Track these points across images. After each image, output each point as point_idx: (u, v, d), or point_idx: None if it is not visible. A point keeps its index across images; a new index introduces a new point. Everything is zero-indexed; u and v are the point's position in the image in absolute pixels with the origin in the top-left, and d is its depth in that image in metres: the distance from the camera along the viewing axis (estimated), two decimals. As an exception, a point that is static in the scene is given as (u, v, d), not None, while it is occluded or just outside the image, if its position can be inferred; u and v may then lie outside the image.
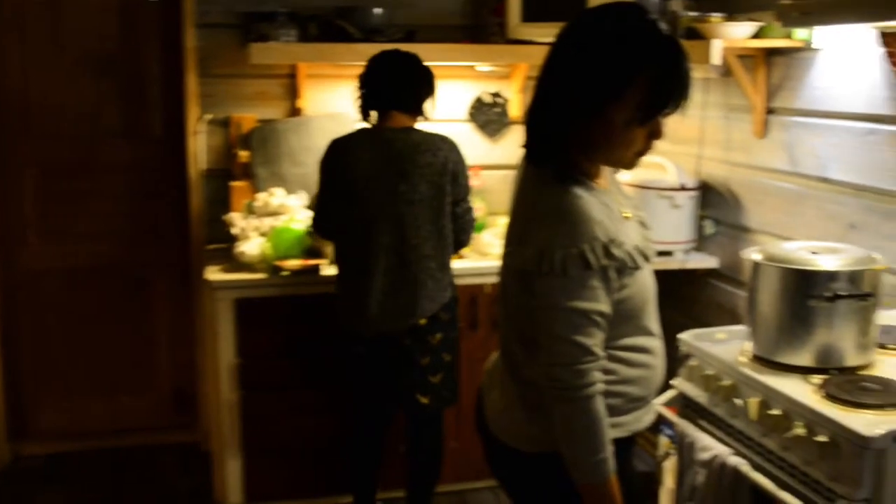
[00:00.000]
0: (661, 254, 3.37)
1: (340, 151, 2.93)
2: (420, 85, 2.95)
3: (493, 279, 2.86)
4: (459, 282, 3.20)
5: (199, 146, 3.68)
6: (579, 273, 1.66)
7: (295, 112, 3.72)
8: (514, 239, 1.79)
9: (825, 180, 2.88)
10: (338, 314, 2.98)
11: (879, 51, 2.54)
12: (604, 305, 1.69)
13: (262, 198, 3.43)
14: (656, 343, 1.84)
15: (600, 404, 1.68)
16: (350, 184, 2.88)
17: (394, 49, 2.99)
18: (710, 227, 3.47)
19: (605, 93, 1.66)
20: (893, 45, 2.43)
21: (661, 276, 3.31)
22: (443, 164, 2.86)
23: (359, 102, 2.96)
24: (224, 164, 3.70)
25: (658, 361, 1.84)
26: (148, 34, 3.78)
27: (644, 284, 1.79)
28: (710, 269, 3.50)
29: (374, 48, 3.01)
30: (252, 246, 3.23)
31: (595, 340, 1.68)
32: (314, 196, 3.07)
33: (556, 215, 1.70)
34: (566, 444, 1.71)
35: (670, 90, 1.67)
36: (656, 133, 1.74)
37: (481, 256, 3.48)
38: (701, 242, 3.54)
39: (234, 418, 3.24)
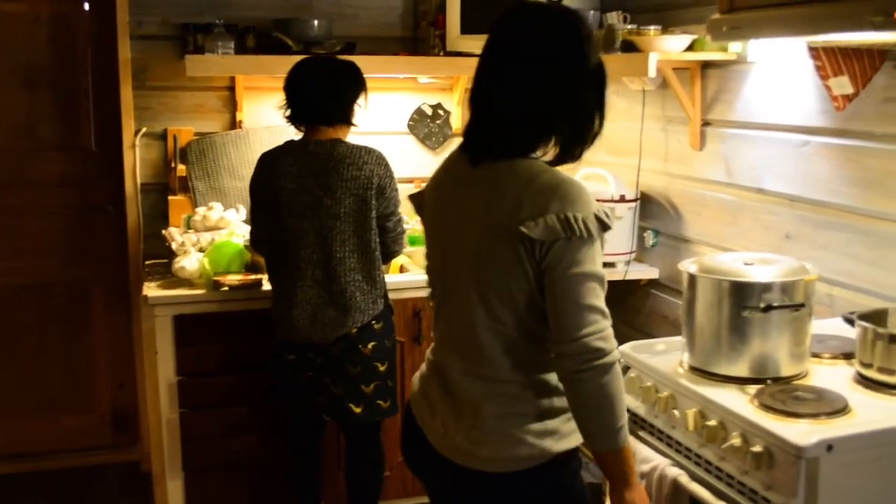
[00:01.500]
0: (604, 265, 3.38)
1: (268, 165, 2.91)
2: (345, 96, 2.91)
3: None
4: (401, 295, 3.19)
5: (136, 160, 3.62)
6: (598, 234, 1.73)
7: (234, 125, 3.68)
8: (522, 216, 1.73)
9: (761, 191, 2.93)
10: (272, 324, 2.96)
11: (810, 64, 2.59)
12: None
13: (201, 212, 3.39)
14: None
15: (620, 369, 1.76)
16: (276, 197, 2.87)
17: (315, 57, 2.95)
18: (651, 238, 3.50)
19: (574, 66, 1.76)
20: (822, 59, 2.47)
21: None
22: (368, 178, 2.84)
23: (286, 114, 2.94)
24: (162, 178, 3.65)
25: None
26: (81, 45, 3.71)
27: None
28: (651, 279, 3.53)
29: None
30: (191, 261, 3.18)
31: (604, 304, 1.75)
32: (250, 210, 3.04)
33: (561, 187, 1.74)
34: (597, 413, 1.74)
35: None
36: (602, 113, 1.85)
37: (423, 269, 3.46)
38: (642, 253, 3.57)
39: (174, 437, 3.19)
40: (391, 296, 3.05)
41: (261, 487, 3.31)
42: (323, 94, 2.88)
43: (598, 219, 1.73)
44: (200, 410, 3.19)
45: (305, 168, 2.84)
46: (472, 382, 1.84)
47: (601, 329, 1.72)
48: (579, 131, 1.81)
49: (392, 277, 3.24)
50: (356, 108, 2.94)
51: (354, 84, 2.94)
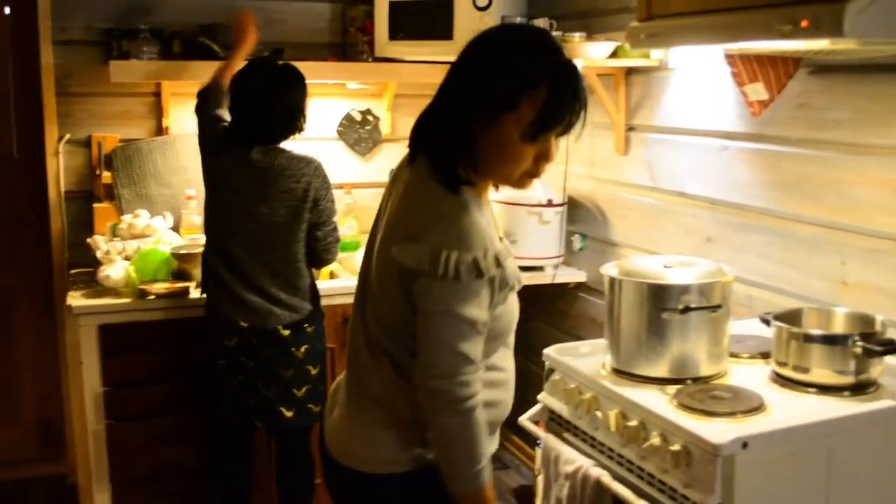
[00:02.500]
0: (532, 269, 3.43)
1: (216, 159, 2.93)
2: (298, 113, 2.92)
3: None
4: (331, 301, 3.19)
5: (60, 167, 3.55)
6: (471, 280, 1.65)
7: (160, 131, 3.63)
8: (402, 235, 1.71)
9: (683, 195, 2.99)
10: (205, 313, 2.98)
11: (728, 71, 2.65)
12: (487, 316, 1.70)
13: (127, 220, 3.34)
14: (512, 367, 1.86)
15: (482, 414, 1.70)
16: (216, 179, 2.93)
17: (261, 73, 2.93)
18: (578, 242, 3.55)
19: (501, 100, 1.66)
20: (738, 66, 2.53)
21: (533, 290, 3.40)
22: (304, 190, 2.87)
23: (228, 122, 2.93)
24: (86, 186, 3.59)
25: (512, 386, 1.86)
26: (2, 51, 3.63)
27: (514, 306, 1.82)
28: (579, 282, 3.58)
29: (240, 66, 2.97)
30: (117, 270, 3.13)
31: (477, 350, 1.69)
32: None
33: (449, 220, 1.68)
34: (447, 455, 1.72)
35: (563, 108, 1.68)
36: (545, 155, 1.73)
37: (354, 275, 3.44)
38: (570, 257, 3.62)
39: (101, 449, 3.13)
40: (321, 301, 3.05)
41: (190, 497, 3.27)
42: (279, 114, 2.87)
43: (476, 264, 1.65)
44: (127, 421, 3.14)
45: (246, 175, 2.86)
46: (355, 389, 1.85)
47: (460, 374, 1.67)
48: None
49: (322, 283, 3.23)
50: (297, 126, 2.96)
51: (304, 94, 2.94)
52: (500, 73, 1.67)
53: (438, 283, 1.65)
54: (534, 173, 1.75)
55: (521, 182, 1.77)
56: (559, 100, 1.67)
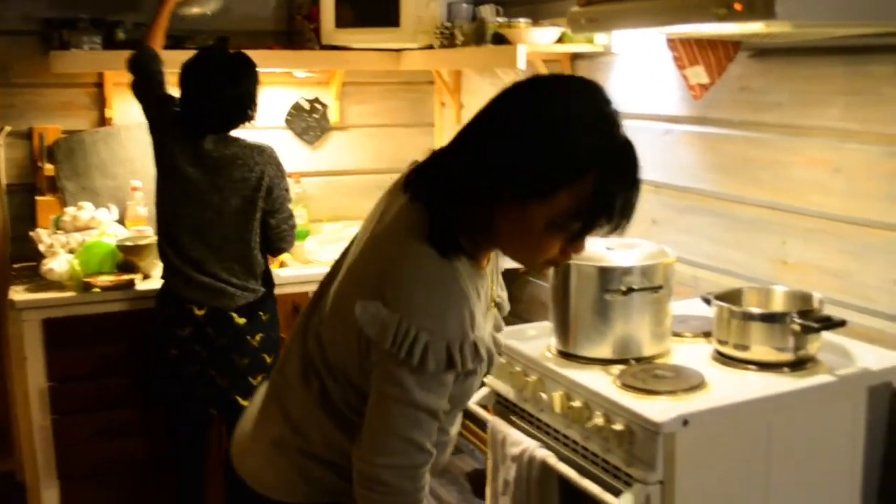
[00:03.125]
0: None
1: (168, 147, 2.89)
2: (251, 99, 2.89)
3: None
4: (281, 290, 3.16)
5: (1, 160, 3.49)
6: (439, 370, 1.40)
7: (103, 122, 3.58)
8: (371, 290, 1.42)
9: (628, 178, 3.01)
10: (157, 302, 2.97)
11: (670, 55, 2.68)
12: (447, 402, 1.48)
13: (70, 212, 3.29)
14: (457, 429, 1.69)
15: None
16: (167, 179, 2.89)
17: (212, 61, 2.89)
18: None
19: (534, 188, 1.35)
20: (678, 50, 2.56)
21: None
22: (258, 179, 2.86)
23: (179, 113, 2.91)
24: (28, 179, 3.52)
25: (450, 450, 1.68)
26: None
27: (477, 378, 1.57)
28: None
29: (184, 55, 2.93)
30: (60, 263, 3.09)
31: (433, 438, 1.46)
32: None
33: (430, 291, 1.40)
34: None
35: (611, 199, 1.36)
36: (576, 247, 1.44)
37: (304, 264, 3.45)
38: (519, 242, 3.62)
39: (47, 445, 3.09)
40: (270, 291, 3.04)
41: (140, 491, 3.24)
42: (230, 103, 2.85)
43: (449, 354, 1.39)
44: (74, 416, 3.10)
45: (199, 163, 2.85)
46: (274, 404, 1.63)
47: (410, 466, 1.44)
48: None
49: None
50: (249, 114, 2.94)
51: (255, 83, 2.91)
52: (541, 155, 1.34)
53: (400, 367, 1.40)
54: (556, 263, 1.48)
55: (541, 268, 1.50)
56: (607, 191, 1.35)
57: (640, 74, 2.92)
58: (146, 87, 2.98)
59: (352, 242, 1.62)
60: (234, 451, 1.72)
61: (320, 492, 1.60)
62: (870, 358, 2.11)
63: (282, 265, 3.46)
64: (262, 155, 2.87)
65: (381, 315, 1.39)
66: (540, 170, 1.34)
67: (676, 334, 2.30)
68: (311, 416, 1.56)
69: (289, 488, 1.60)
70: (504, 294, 1.74)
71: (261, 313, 2.92)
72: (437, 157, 1.50)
